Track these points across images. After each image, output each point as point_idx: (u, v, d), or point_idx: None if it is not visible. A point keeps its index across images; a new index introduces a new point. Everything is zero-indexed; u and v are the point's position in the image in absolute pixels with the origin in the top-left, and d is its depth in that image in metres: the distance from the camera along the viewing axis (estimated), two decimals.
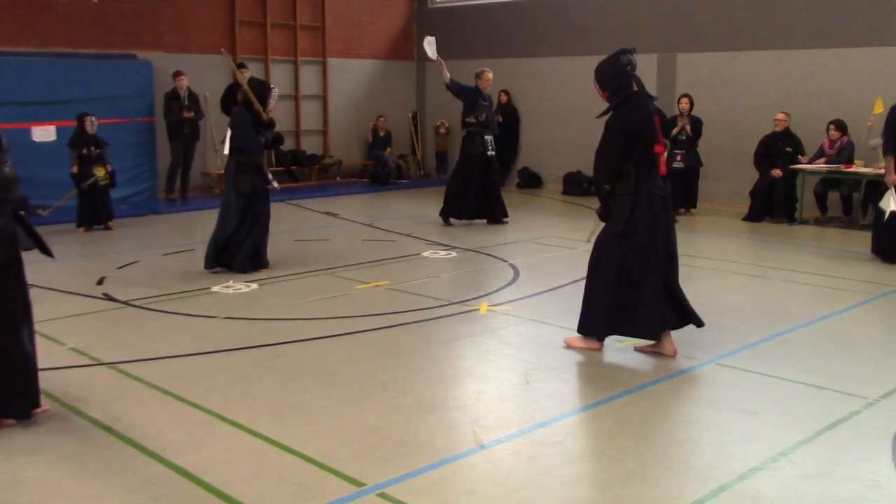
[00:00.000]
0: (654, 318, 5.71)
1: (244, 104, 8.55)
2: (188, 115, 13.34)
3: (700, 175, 12.60)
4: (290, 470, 4.11)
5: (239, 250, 8.47)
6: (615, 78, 5.71)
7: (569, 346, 6.03)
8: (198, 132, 13.65)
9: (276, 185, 8.70)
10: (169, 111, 13.31)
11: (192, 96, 13.51)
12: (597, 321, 5.84)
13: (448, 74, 11.42)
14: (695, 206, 12.62)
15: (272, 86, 8.72)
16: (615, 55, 5.74)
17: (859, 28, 12.07)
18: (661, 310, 5.71)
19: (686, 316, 5.86)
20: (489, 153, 11.59)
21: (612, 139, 5.71)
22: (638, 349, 5.95)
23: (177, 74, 13.34)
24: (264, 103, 8.43)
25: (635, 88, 5.72)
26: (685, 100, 12.44)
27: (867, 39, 12.00)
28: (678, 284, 5.86)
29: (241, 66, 14.34)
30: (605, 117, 5.83)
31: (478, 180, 11.50)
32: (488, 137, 11.59)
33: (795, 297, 7.64)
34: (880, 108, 11.03)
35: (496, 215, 11.66)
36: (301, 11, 15.85)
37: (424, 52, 11.70)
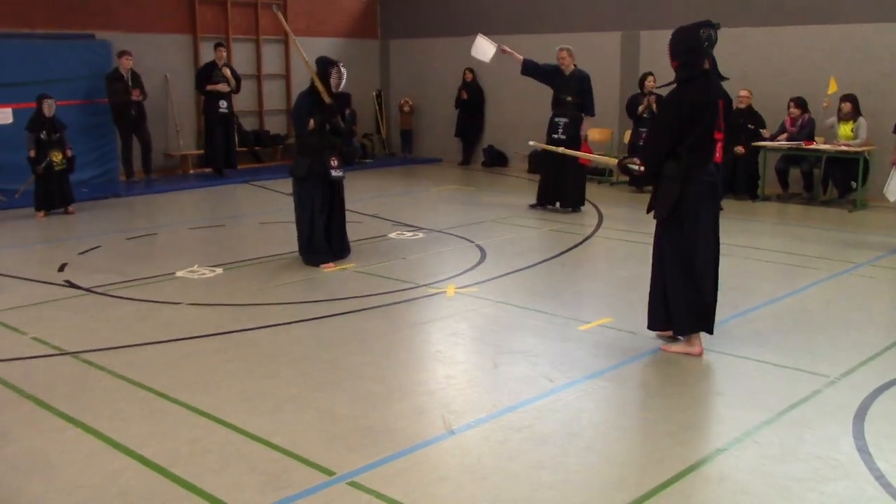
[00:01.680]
0: (706, 310, 5.49)
1: (312, 84, 7.93)
2: (137, 97, 13.08)
3: None
4: (259, 459, 4.10)
5: (333, 237, 8.07)
6: (689, 50, 5.30)
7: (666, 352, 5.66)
8: (144, 113, 13.37)
9: (337, 173, 7.98)
10: (113, 92, 12.96)
11: (136, 77, 13.21)
12: (684, 318, 5.51)
13: (519, 56, 10.80)
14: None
15: (337, 61, 7.96)
16: (695, 25, 5.32)
17: (817, 5, 12.16)
18: (707, 303, 5.49)
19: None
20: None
21: (666, 118, 5.44)
22: (665, 349, 5.65)
23: (121, 54, 13.00)
24: (327, 83, 7.82)
25: (706, 66, 5.34)
26: (651, 78, 12.46)
27: (825, 17, 12.11)
28: (717, 281, 5.60)
29: (218, 45, 14.15)
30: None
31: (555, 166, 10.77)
32: (558, 120, 10.83)
33: (758, 275, 7.74)
34: (834, 88, 11.18)
35: (572, 201, 10.92)
36: None
37: (478, 52, 10.82)
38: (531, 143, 8.88)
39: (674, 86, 5.44)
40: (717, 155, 5.50)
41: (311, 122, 7.85)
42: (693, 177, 5.33)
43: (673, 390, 5.01)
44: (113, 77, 13.01)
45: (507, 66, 15.50)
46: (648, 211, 5.66)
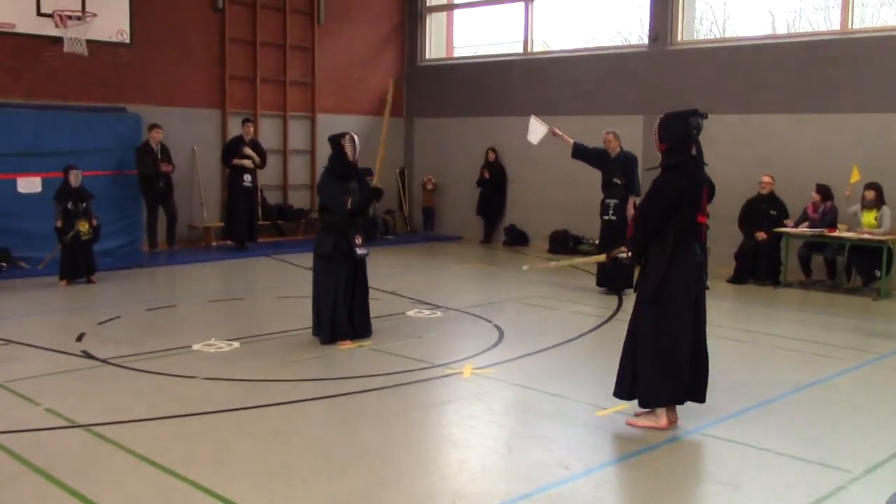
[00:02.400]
0: (676, 386, 5.60)
1: (332, 158, 8.05)
2: (167, 169, 13.31)
3: None
4: None
5: (356, 315, 8.03)
6: (678, 137, 5.56)
7: (633, 426, 5.78)
8: (172, 185, 13.60)
9: (362, 251, 7.98)
10: (143, 164, 13.24)
11: (165, 150, 13.47)
12: (650, 390, 5.65)
13: (570, 140, 10.90)
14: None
15: (346, 132, 8.10)
16: (686, 114, 5.59)
17: (838, 95, 12.26)
18: (677, 381, 5.59)
19: (696, 391, 5.75)
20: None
21: (655, 201, 5.62)
22: (630, 422, 5.78)
23: (152, 127, 13.32)
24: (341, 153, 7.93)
25: (693, 153, 5.58)
26: None
27: (846, 106, 12.19)
28: (706, 356, 5.76)
29: (246, 120, 14.44)
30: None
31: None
32: (608, 202, 10.87)
33: (781, 364, 7.61)
34: (857, 177, 11.15)
35: (619, 284, 10.69)
36: (292, 68, 15.98)
37: (532, 134, 10.85)
38: (524, 268, 9.85)
39: (661, 170, 5.67)
40: (702, 237, 5.73)
41: (350, 201, 7.85)
42: (678, 256, 5.52)
43: (691, 482, 4.89)
44: (143, 149, 13.28)
45: (528, 147, 15.68)
46: (635, 289, 5.82)
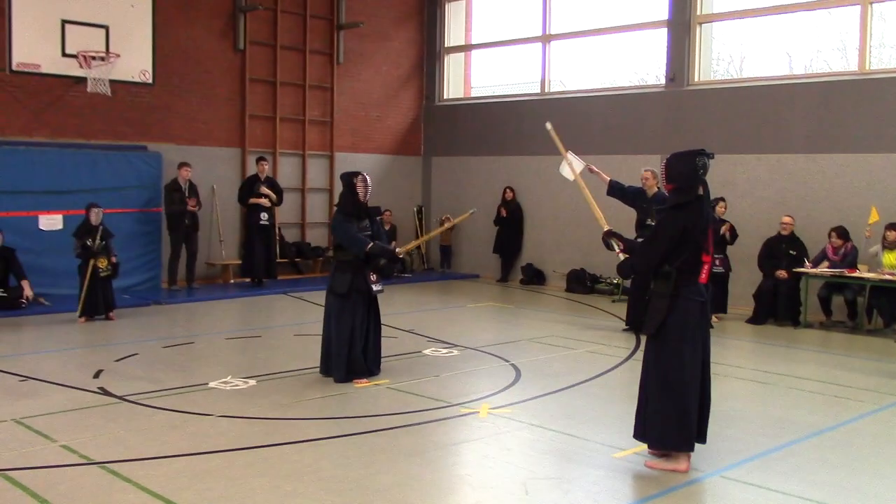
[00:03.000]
0: (690, 429, 5.57)
1: (342, 196, 8.05)
2: (193, 207, 13.45)
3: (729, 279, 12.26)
4: None
5: (368, 353, 8.05)
6: (686, 176, 5.60)
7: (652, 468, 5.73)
8: (198, 223, 13.73)
9: (378, 288, 8.01)
10: (171, 202, 13.41)
11: (193, 188, 13.63)
12: (660, 433, 5.64)
13: (606, 177, 10.69)
14: (725, 311, 12.21)
15: (359, 171, 8.07)
16: (692, 154, 5.64)
17: (855, 135, 12.23)
18: (685, 423, 5.55)
19: (699, 433, 5.74)
20: None
21: (660, 238, 5.64)
22: (649, 465, 5.74)
23: (181, 165, 13.50)
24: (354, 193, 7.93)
25: (700, 192, 5.61)
26: (722, 204, 11.91)
27: (863, 146, 12.16)
28: (709, 396, 5.76)
29: (261, 159, 14.58)
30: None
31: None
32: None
33: (801, 406, 7.51)
34: (875, 217, 11.08)
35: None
36: (311, 107, 16.14)
37: (565, 168, 10.32)
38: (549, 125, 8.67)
39: (666, 208, 5.75)
40: (704, 276, 5.66)
41: (372, 245, 7.85)
42: (682, 294, 5.55)
43: None
44: (171, 187, 13.44)
45: (545, 186, 15.73)
46: (643, 329, 5.93)
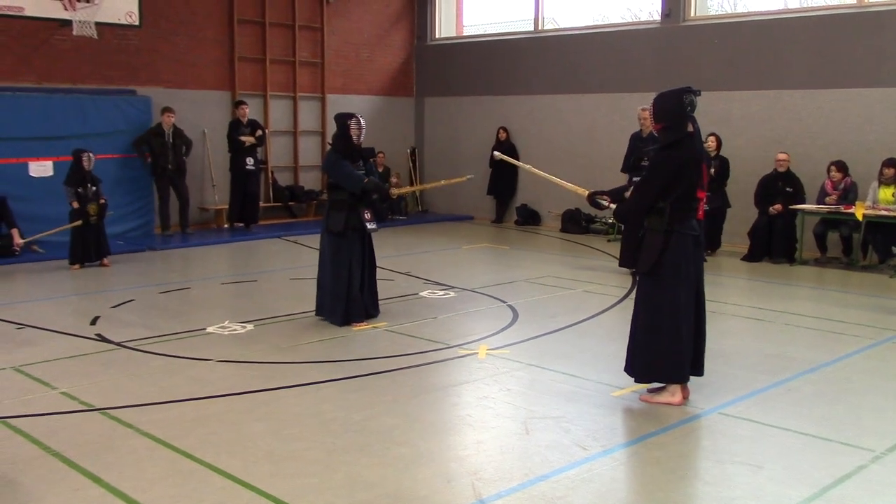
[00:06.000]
0: (682, 362, 5.64)
1: (336, 138, 7.95)
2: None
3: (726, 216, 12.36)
4: None
5: (365, 293, 8.02)
6: (673, 115, 5.59)
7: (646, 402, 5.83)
8: (184, 169, 13.57)
9: (372, 226, 7.99)
10: (151, 148, 13.23)
11: (178, 133, 13.41)
12: (647, 366, 5.74)
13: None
14: (718, 247, 12.36)
15: (354, 113, 7.96)
16: (679, 91, 5.62)
17: (854, 69, 12.10)
18: (676, 358, 5.63)
19: (694, 364, 5.81)
20: None
21: (654, 177, 5.64)
22: (643, 398, 5.83)
23: (165, 111, 13.27)
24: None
25: (690, 129, 5.60)
26: (712, 138, 11.99)
27: (861, 81, 12.03)
28: (704, 330, 5.82)
29: (239, 102, 14.40)
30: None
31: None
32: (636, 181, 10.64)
33: (798, 342, 7.55)
34: (861, 215, 10.85)
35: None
36: (301, 48, 15.89)
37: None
38: (496, 154, 9.12)
39: (658, 148, 5.75)
40: (700, 212, 5.68)
41: (368, 179, 7.82)
42: (676, 230, 5.57)
43: (710, 463, 4.84)
44: (154, 132, 13.24)
45: (539, 126, 15.59)
46: (636, 265, 5.90)
